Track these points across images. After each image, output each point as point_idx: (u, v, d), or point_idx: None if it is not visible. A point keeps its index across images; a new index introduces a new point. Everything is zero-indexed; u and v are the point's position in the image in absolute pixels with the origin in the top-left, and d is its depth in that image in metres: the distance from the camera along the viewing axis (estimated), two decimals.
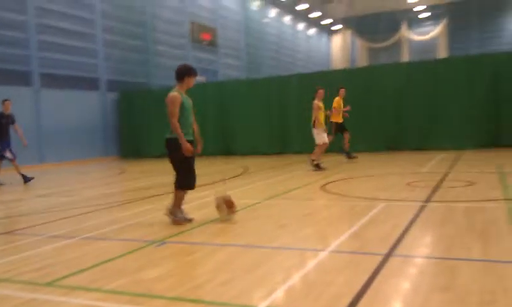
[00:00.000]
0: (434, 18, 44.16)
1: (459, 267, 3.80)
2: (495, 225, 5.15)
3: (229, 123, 18.97)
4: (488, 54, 17.49)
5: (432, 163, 11.84)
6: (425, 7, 44.20)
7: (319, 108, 11.36)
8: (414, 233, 4.99)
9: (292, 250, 4.68)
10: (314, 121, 11.39)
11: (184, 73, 5.92)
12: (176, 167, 5.91)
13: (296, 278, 3.72)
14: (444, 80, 15.77)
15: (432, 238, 4.92)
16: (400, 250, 4.33)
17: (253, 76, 28.04)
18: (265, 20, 35.63)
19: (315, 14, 42.58)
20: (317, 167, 11.33)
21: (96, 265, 4.35)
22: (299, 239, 5.14)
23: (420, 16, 45.53)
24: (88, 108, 19.96)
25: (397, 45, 42.58)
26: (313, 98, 11.46)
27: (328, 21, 45.85)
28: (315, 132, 11.43)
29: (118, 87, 21.17)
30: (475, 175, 9.29)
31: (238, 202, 6.63)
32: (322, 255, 4.31)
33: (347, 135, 13.24)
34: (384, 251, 4.25)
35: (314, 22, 44.45)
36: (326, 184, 9.03)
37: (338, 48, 46.22)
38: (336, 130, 13.10)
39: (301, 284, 3.63)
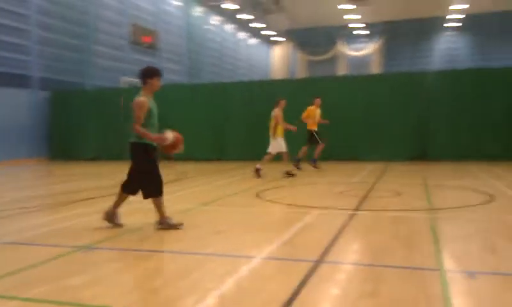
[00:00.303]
0: (369, 36, 46.07)
1: (385, 273, 3.95)
2: (418, 233, 5.42)
3: (168, 127, 18.64)
4: (418, 72, 18.47)
5: (363, 173, 12.28)
6: (362, 25, 46.01)
7: (279, 118, 11.56)
8: (344, 240, 5.14)
9: (226, 257, 4.67)
10: (274, 130, 11.52)
11: (146, 75, 5.70)
12: (141, 174, 5.67)
13: (228, 285, 3.71)
14: (377, 95, 16.49)
15: (361, 245, 5.09)
16: (330, 257, 4.44)
17: (194, 81, 27.90)
18: (208, 27, 35.61)
19: (257, 24, 43.09)
20: (257, 173, 11.44)
21: (16, 271, 4.10)
22: (233, 246, 5.14)
23: (356, 32, 47.34)
24: (17, 106, 18.89)
25: (335, 59, 43.96)
26: (274, 107, 11.63)
27: (270, 32, 46.56)
28: (272, 140, 11.60)
29: (51, 86, 20.25)
30: (402, 186, 9.74)
31: (173, 208, 6.54)
32: (255, 262, 4.33)
33: (320, 146, 13.24)
34: (315, 257, 4.34)
35: (256, 32, 44.97)
36: (262, 191, 9.11)
37: (279, 59, 46.99)
38: (312, 138, 13.14)
39: (232, 291, 3.62)
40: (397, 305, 3.23)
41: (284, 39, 44.34)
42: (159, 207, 5.71)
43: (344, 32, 45.30)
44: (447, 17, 45.01)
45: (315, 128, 13.30)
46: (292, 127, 12.10)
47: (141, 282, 3.79)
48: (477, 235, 5.28)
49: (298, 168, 12.96)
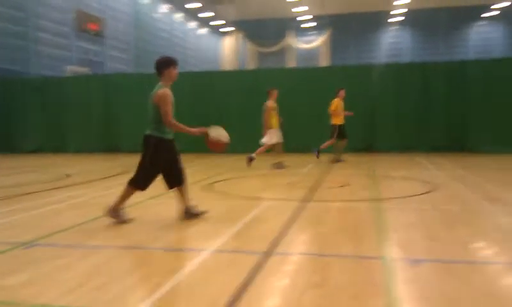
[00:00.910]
0: (317, 28, 46.76)
1: (332, 263, 4.02)
2: (365, 223, 5.55)
3: (115, 118, 18.18)
4: (365, 65, 18.91)
5: (312, 165, 12.46)
6: (310, 17, 46.62)
7: (273, 108, 11.45)
8: (293, 231, 5.18)
9: (175, 251, 4.59)
10: (268, 121, 11.43)
11: (163, 65, 5.53)
12: (145, 165, 5.51)
13: (176, 279, 3.64)
14: (325, 87, 16.73)
15: (309, 236, 5.15)
16: (279, 248, 4.46)
17: (141, 70, 27.28)
18: (156, 15, 34.85)
19: (207, 14, 42.68)
20: (250, 160, 11.45)
21: None
22: (182, 239, 5.06)
23: (305, 25, 47.95)
24: None
25: (284, 51, 44.29)
26: (267, 99, 11.58)
27: (219, 22, 46.25)
28: (268, 131, 11.50)
29: None
30: (350, 177, 9.96)
31: None
32: (204, 255, 4.28)
33: (343, 142, 13.09)
34: (265, 249, 4.35)
35: (205, 22, 44.53)
36: (214, 183, 9.05)
37: (228, 49, 46.77)
38: (339, 132, 12.86)
39: (181, 285, 3.56)
40: (344, 294, 3.28)
41: (233, 29, 44.14)
42: (182, 196, 5.69)
43: (293, 25, 45.72)
44: (392, 12, 46.40)
45: (341, 123, 12.97)
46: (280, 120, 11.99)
47: (85, 279, 3.65)
48: (420, 224, 5.46)
49: (340, 161, 12.84)
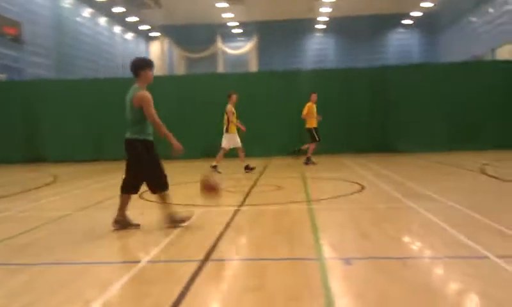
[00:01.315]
0: (245, 35, 47.28)
1: (268, 266, 4.05)
2: (299, 225, 5.66)
3: (37, 126, 17.26)
4: (292, 70, 19.31)
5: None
6: (237, 23, 47.07)
7: (233, 113, 11.50)
8: (229, 237, 5.17)
9: (108, 264, 4.43)
10: (227, 126, 11.48)
11: (139, 66, 5.48)
12: (147, 169, 5.46)
13: (110, 293, 3.50)
14: (254, 93, 17.01)
15: (245, 241, 5.17)
16: (216, 255, 4.43)
17: (64, 76, 26.13)
18: (79, 19, 33.54)
19: (132, 18, 41.74)
20: (215, 170, 11.45)
21: None
22: (114, 252, 4.89)
23: (233, 31, 48.32)
24: None
25: (214, 57, 44.29)
26: (227, 103, 11.60)
27: (146, 27, 45.39)
28: (225, 136, 11.60)
29: None
30: (283, 180, 10.13)
31: (46, 214, 6.03)
32: (140, 266, 4.16)
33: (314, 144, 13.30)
34: (201, 256, 4.30)
35: (131, 27, 43.50)
36: (146, 191, 8.82)
37: (156, 55, 45.99)
38: (315, 134, 13.12)
39: (116, 299, 3.44)
40: (281, 296, 3.32)
41: (160, 34, 43.48)
42: (165, 202, 5.58)
43: (222, 31, 45.87)
44: (316, 19, 47.88)
45: (315, 126, 13.24)
46: (242, 127, 11.97)
47: (7, 300, 3.42)
48: (351, 223, 5.66)
49: (313, 163, 13.06)
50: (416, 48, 49.52)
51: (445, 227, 5.16)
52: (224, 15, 44.62)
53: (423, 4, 44.57)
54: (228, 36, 47.63)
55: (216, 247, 4.68)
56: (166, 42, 43.94)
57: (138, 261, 4.29)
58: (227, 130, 11.73)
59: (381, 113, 16.84)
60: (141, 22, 43.95)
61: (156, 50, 45.93)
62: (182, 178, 10.98)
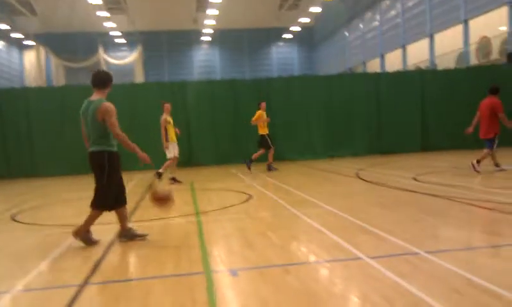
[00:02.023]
0: (129, 45, 46.05)
1: (154, 285, 3.93)
2: (186, 239, 5.59)
3: None
4: (178, 82, 19.12)
5: (133, 183, 12.14)
6: (120, 33, 45.70)
7: (168, 122, 11.41)
8: (112, 257, 4.94)
9: None
10: (165, 135, 11.37)
11: (108, 79, 5.57)
12: (103, 184, 5.34)
13: None
14: (139, 104, 16.62)
15: (130, 259, 4.97)
16: (96, 277, 4.20)
17: None
18: None
19: (3, 26, 38.48)
20: (174, 180, 11.53)
21: None
22: None
23: (117, 41, 46.81)
24: None
25: (96, 67, 42.43)
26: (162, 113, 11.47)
27: (19, 35, 42.10)
28: (165, 146, 11.43)
29: None
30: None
31: None
32: (7, 298, 3.79)
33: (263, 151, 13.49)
34: (80, 280, 4.04)
35: (3, 35, 40.05)
36: (20, 212, 8.11)
37: (32, 65, 42.80)
38: (265, 141, 13.33)
39: None
40: None
41: (34, 43, 40.55)
42: (122, 218, 5.47)
43: (104, 40, 44.14)
44: (202, 31, 48.28)
45: (267, 132, 13.49)
46: (177, 130, 11.83)
47: None
48: (238, 233, 5.73)
49: (275, 169, 13.38)
50: (296, 60, 52.18)
51: (324, 231, 5.45)
52: (105, 24, 43.07)
53: (301, 20, 47.17)
54: (111, 46, 45.99)
55: (97, 269, 4.44)
56: (43, 51, 41.09)
57: (5, 292, 3.90)
58: (167, 140, 11.54)
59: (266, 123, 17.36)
60: (13, 30, 40.70)
61: (31, 60, 42.75)
62: (63, 196, 10.30)
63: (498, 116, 10.44)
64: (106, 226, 6.53)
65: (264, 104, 13.87)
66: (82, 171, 15.70)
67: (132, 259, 4.96)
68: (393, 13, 35.29)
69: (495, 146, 10.48)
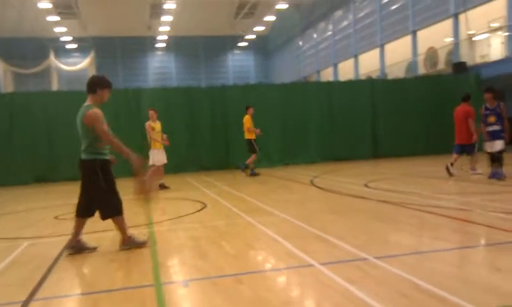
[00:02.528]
0: (82, 50, 44.94)
1: (102, 300, 3.81)
2: (138, 250, 5.45)
3: None
4: (133, 88, 18.77)
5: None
6: (71, 38, 44.55)
7: (153, 128, 11.50)
8: (58, 271, 4.76)
9: None
10: (151, 142, 11.42)
11: (99, 84, 5.35)
12: (98, 193, 5.30)
13: None
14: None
15: (77, 274, 4.81)
16: (42, 293, 4.03)
17: None
18: None
19: None
20: (163, 187, 11.55)
21: None
22: None
23: (68, 46, 45.59)
24: None
25: (47, 73, 41.09)
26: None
27: None
28: (151, 152, 11.41)
29: None
30: (123, 202, 9.72)
31: None
32: None
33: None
34: (24, 297, 3.87)
35: None
36: None
37: None
38: (253, 146, 13.81)
39: None
40: None
41: None
42: (121, 227, 5.40)
43: (55, 45, 42.86)
44: (157, 38, 47.78)
45: (254, 137, 13.89)
46: (166, 142, 11.74)
47: None
48: (191, 243, 5.66)
49: (255, 175, 13.76)
50: (252, 68, 52.51)
51: (278, 239, 5.48)
52: (56, 29, 41.84)
53: (256, 28, 47.57)
54: (62, 51, 44.74)
55: (42, 284, 4.26)
56: None
57: None
58: (153, 146, 11.54)
59: (223, 131, 17.35)
60: None
61: None
62: (8, 208, 9.87)
63: (468, 121, 10.79)
64: (56, 238, 6.31)
65: (251, 109, 14.01)
66: (29, 181, 15.24)
67: (79, 274, 4.80)
68: (345, 23, 36.20)
69: (475, 150, 10.95)
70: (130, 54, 47.48)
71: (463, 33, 23.46)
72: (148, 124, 11.68)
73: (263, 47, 52.07)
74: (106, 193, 5.37)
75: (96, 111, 5.26)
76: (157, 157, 11.53)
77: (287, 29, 46.42)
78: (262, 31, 48.85)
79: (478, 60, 22.73)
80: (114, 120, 16.31)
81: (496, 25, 22.71)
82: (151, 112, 11.80)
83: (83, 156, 5.34)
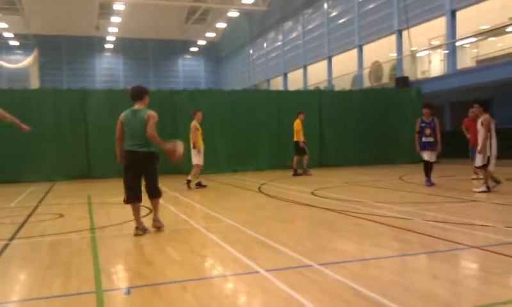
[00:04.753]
0: (25, 48, 43.13)
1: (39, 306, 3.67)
2: (79, 256, 5.28)
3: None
4: (79, 89, 18.17)
5: (22, 196, 11.31)
6: (12, 35, 42.72)
7: (197, 129, 12.07)
8: None
9: None
10: (194, 143, 11.99)
11: (146, 92, 6.67)
12: (156, 179, 6.59)
13: None
14: (35, 110, 15.63)
15: (12, 281, 4.59)
16: None
17: None
18: None
19: None
20: (199, 185, 12.35)
21: None
22: None
23: (11, 43, 43.64)
24: None
25: None
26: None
27: None
28: (193, 152, 12.01)
29: None
30: (66, 207, 9.41)
31: None
32: None
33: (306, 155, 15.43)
34: None
35: None
36: None
37: None
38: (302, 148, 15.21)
39: None
40: None
41: None
42: (156, 207, 6.71)
43: None
44: (106, 38, 46.70)
45: (303, 140, 15.31)
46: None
47: None
48: (135, 250, 5.55)
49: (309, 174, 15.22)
50: (203, 74, 52.36)
51: (224, 246, 5.48)
52: None
53: (207, 34, 47.53)
54: (4, 48, 42.78)
55: None
56: None
57: None
58: (193, 147, 12.07)
59: (171, 135, 17.06)
60: None
61: None
62: None
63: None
64: None
65: (199, 114, 13.24)
66: None
67: (14, 280, 4.58)
68: (295, 34, 36.88)
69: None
70: (76, 54, 46.03)
71: (406, 49, 24.51)
72: (194, 124, 12.15)
73: (214, 54, 52.06)
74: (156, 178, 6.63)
75: (155, 113, 6.46)
76: (198, 156, 12.18)
77: (238, 36, 46.67)
78: (213, 37, 48.86)
79: (419, 75, 23.81)
80: (55, 121, 15.87)
81: (436, 43, 23.91)
82: (199, 114, 12.40)
83: (145, 149, 6.34)
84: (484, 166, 9.77)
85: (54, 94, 16.59)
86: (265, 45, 42.24)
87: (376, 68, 28.09)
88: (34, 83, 38.24)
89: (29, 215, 8.35)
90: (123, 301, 3.76)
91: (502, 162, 15.36)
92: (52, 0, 39.27)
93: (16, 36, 42.96)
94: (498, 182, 10.14)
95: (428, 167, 11.20)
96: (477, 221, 6.71)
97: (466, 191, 10.10)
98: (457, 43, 21.69)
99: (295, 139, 15.44)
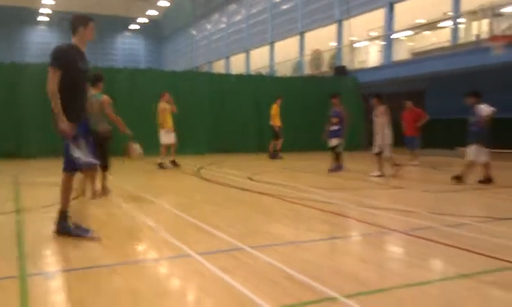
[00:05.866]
0: None
1: None
2: (2, 239, 5.04)
3: None
4: (17, 63, 17.05)
5: None
6: None
7: (165, 109, 12.33)
8: None
9: None
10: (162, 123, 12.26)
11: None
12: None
13: None
14: None
15: None
16: None
17: None
18: None
19: None
20: (174, 163, 12.65)
21: None
22: None
23: None
24: None
25: None
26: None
27: None
28: (161, 132, 12.37)
29: None
30: None
31: None
32: None
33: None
34: None
35: None
36: None
37: None
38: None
39: None
40: None
41: None
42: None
43: None
44: (40, 11, 44.29)
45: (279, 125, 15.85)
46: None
47: None
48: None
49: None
50: (143, 53, 51.01)
51: (157, 229, 5.42)
52: None
53: (149, 12, 46.23)
54: None
55: None
56: None
57: None
58: (161, 127, 12.52)
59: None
60: None
61: None
62: None
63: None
64: None
65: (167, 95, 12.88)
66: None
67: None
68: (238, 17, 36.66)
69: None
70: (6, 25, 43.31)
71: (346, 39, 25.09)
72: (161, 104, 12.40)
73: (156, 33, 50.79)
74: None
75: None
76: (166, 137, 12.44)
77: (181, 16, 45.76)
78: (156, 16, 47.60)
79: (357, 65, 24.49)
80: None
81: (374, 34, 24.65)
82: (166, 94, 12.56)
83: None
84: (380, 153, 10.73)
85: None
86: (208, 26, 41.73)
87: (317, 55, 28.57)
88: None
89: None
90: (48, 286, 3.64)
91: (430, 152, 16.23)
92: None
93: None
94: (398, 165, 11.03)
95: (336, 154, 11.95)
96: (402, 207, 7.05)
97: (395, 178, 10.56)
98: (393, 36, 22.46)
99: (271, 123, 15.95)
